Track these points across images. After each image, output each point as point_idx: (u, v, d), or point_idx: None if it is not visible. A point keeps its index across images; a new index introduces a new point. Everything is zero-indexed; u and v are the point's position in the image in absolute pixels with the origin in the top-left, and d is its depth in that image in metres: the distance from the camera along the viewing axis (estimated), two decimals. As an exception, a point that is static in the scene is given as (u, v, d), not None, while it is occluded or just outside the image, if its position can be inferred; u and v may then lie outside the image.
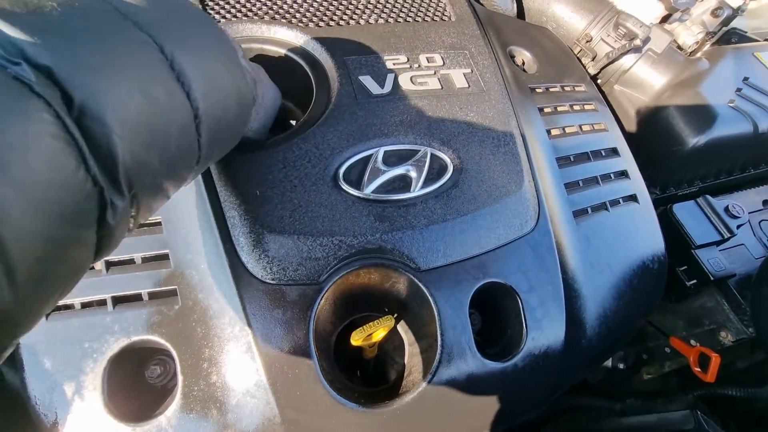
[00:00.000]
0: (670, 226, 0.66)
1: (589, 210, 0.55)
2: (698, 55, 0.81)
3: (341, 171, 0.45)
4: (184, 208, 0.44)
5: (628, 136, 0.78)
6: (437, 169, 0.47)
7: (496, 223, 0.47)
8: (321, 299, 0.41)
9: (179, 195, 0.42)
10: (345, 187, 0.44)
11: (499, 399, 0.46)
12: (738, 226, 0.64)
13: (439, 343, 0.42)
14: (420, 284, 0.42)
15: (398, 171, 0.46)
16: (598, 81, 0.83)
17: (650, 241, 0.58)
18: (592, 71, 0.80)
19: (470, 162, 0.49)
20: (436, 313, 0.42)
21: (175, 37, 0.26)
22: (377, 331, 0.40)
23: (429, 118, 0.50)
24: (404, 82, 0.52)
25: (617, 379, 0.79)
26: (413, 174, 0.46)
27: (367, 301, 0.47)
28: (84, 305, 0.41)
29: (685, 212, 0.66)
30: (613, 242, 0.55)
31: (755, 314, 0.57)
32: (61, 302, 0.40)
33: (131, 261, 0.43)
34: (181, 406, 0.39)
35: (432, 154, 0.48)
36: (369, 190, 0.44)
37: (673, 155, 0.70)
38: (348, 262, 0.42)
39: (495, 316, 0.49)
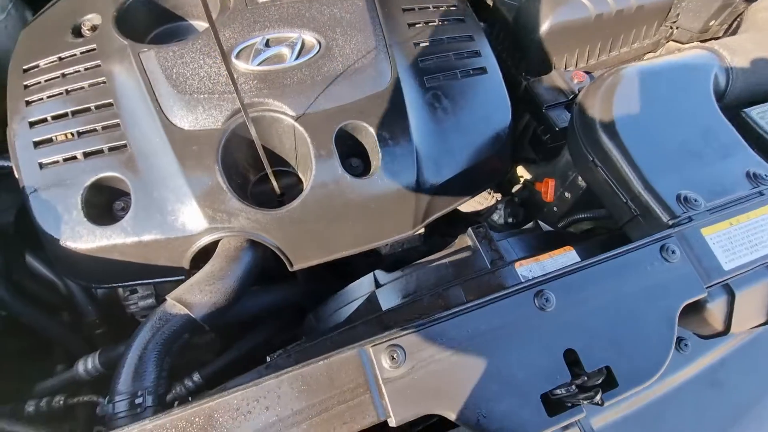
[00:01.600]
0: (529, 98, 0.83)
1: (441, 77, 0.72)
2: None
3: (234, 52, 0.62)
4: (129, 93, 0.62)
5: (508, 36, 0.94)
6: (307, 47, 0.65)
7: (355, 82, 0.64)
8: (225, 137, 0.59)
9: (128, 86, 0.61)
10: (236, 62, 0.62)
11: (369, 211, 0.64)
12: (579, 89, 0.80)
13: (312, 162, 0.60)
14: (294, 123, 0.60)
15: (275, 50, 0.63)
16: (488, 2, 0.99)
17: (496, 100, 0.75)
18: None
19: (335, 42, 0.66)
20: (308, 140, 0.60)
21: None
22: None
23: (302, 15, 0.67)
24: (284, -8, 0.69)
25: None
26: (287, 51, 0.64)
27: (275, 158, 0.65)
28: (65, 160, 0.60)
29: (539, 84, 0.82)
30: (461, 99, 0.72)
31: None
32: (47, 159, 0.59)
33: (95, 130, 0.61)
34: (134, 213, 0.58)
35: (303, 38, 0.65)
36: (254, 63, 0.62)
37: (533, 41, 0.85)
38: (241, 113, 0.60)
39: (366, 157, 0.66)
